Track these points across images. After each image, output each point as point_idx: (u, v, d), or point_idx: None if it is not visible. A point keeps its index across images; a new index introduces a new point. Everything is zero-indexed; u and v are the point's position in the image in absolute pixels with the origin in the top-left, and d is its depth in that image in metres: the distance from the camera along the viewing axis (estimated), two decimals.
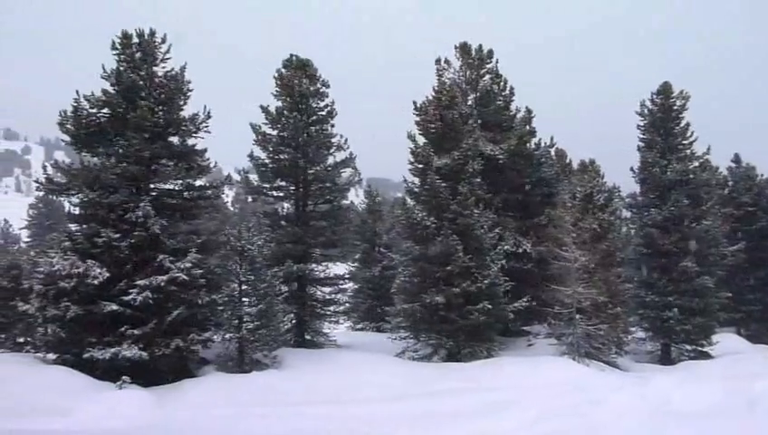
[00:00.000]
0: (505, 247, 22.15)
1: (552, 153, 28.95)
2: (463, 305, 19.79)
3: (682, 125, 26.30)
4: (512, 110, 26.89)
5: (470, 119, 23.01)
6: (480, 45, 26.56)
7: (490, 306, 19.64)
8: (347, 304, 26.19)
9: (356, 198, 33.60)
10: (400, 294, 21.25)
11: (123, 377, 14.97)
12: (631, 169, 27.17)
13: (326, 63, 24.39)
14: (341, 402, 14.43)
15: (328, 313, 23.41)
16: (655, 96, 26.57)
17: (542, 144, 27.41)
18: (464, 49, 26.34)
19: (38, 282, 16.40)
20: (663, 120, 26.32)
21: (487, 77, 26.47)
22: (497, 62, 26.46)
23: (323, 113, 22.51)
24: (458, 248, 19.71)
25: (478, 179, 21.68)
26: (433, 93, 22.26)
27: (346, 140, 22.73)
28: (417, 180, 21.82)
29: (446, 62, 26.08)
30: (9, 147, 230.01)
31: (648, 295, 25.07)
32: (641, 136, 27.01)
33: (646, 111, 26.70)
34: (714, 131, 31.47)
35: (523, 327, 24.80)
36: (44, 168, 18.65)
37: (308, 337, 22.35)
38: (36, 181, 19.18)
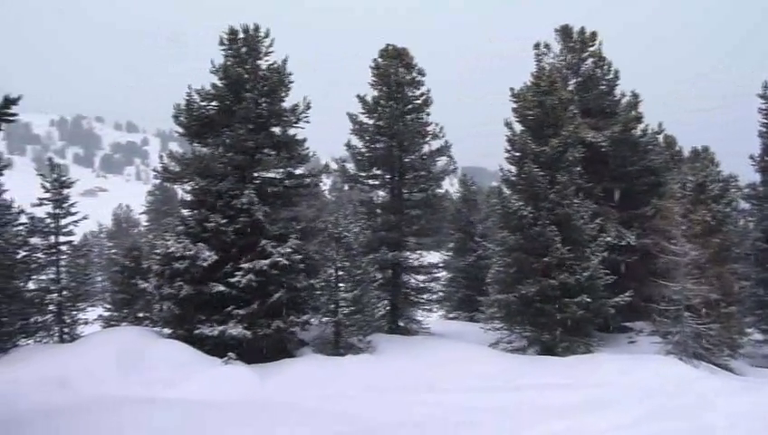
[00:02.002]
0: (607, 239, 21.14)
1: (660, 140, 27.16)
2: (560, 298, 19.17)
3: None
4: (615, 95, 25.49)
5: (570, 105, 22.07)
6: (582, 28, 25.36)
7: (589, 300, 18.88)
8: (440, 293, 26.20)
9: (451, 186, 33.40)
10: (495, 284, 20.93)
11: (229, 353, 15.92)
12: (751, 157, 24.97)
13: (422, 51, 24.30)
14: (434, 390, 14.49)
15: (421, 300, 23.55)
16: None
17: (650, 130, 25.78)
18: (564, 32, 25.28)
19: (155, 262, 17.72)
20: None
21: (590, 61, 25.25)
22: (601, 44, 25.17)
23: (419, 102, 22.53)
24: (556, 239, 19.08)
25: (578, 168, 20.82)
26: (531, 79, 21.59)
27: (441, 128, 22.68)
28: (513, 169, 21.30)
29: (546, 46, 25.16)
30: (130, 139, 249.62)
31: (767, 294, 23.02)
32: (763, 120, 24.70)
33: None
34: None
35: (625, 323, 23.60)
36: (161, 157, 20.00)
37: (401, 324, 22.61)
38: (153, 170, 20.80)
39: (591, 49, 25.21)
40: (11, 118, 7.88)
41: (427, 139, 22.69)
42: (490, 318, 20.96)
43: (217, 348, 16.42)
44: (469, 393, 14.19)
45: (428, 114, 22.69)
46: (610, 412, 12.22)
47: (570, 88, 24.78)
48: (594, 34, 25.25)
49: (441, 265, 25.56)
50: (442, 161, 23.18)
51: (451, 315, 31.34)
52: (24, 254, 18.17)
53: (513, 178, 21.17)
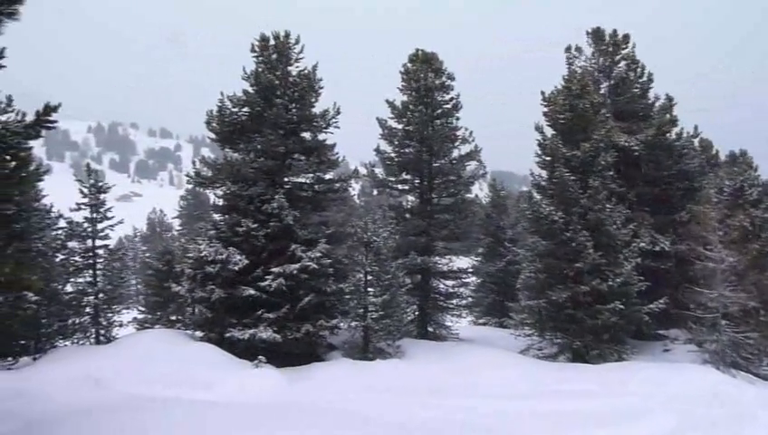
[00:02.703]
0: (641, 245, 20.72)
1: (696, 144, 26.54)
2: (592, 304, 18.83)
3: None
4: (649, 98, 25.02)
5: (603, 108, 21.74)
6: (615, 30, 25.01)
7: (622, 307, 18.51)
8: (470, 298, 26.02)
9: (480, 191, 33.14)
10: (525, 290, 20.69)
11: (259, 357, 16.08)
12: None
13: (451, 56, 24.27)
14: (464, 396, 14.37)
15: (450, 306, 23.43)
16: None
17: (685, 134, 25.19)
18: (596, 35, 24.95)
19: (188, 266, 18.00)
20: None
21: (622, 63, 24.86)
22: (634, 47, 24.75)
23: (448, 106, 22.48)
24: (588, 244, 18.76)
25: (611, 172, 20.48)
26: (562, 82, 21.33)
27: (471, 132, 22.57)
28: (544, 173, 21.06)
29: (578, 49, 24.87)
30: (164, 145, 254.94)
31: None
32: None
33: None
34: None
35: (659, 331, 23.05)
36: (193, 163, 20.36)
37: (430, 329, 22.51)
38: (186, 175, 21.16)
39: (624, 51, 24.82)
40: (51, 125, 8.11)
41: (457, 143, 22.61)
42: (520, 324, 20.70)
43: (248, 351, 16.60)
44: (497, 399, 14.02)
45: (458, 119, 22.64)
46: (645, 423, 11.93)
47: (602, 91, 24.43)
48: (627, 37, 24.86)
49: (470, 270, 25.37)
50: (471, 166, 23.08)
51: (480, 321, 31.09)
52: (63, 257, 18.67)
53: (544, 183, 20.93)
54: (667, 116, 24.58)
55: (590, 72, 24.49)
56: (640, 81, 24.83)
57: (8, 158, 8.18)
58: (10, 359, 16.38)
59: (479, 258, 30.21)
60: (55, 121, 8.09)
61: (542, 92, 21.57)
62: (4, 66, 7.81)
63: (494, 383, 15.54)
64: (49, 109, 8.01)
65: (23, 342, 17.00)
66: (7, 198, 8.56)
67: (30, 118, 8.07)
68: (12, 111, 8.07)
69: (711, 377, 16.18)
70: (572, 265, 19.05)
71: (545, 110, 21.28)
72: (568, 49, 24.74)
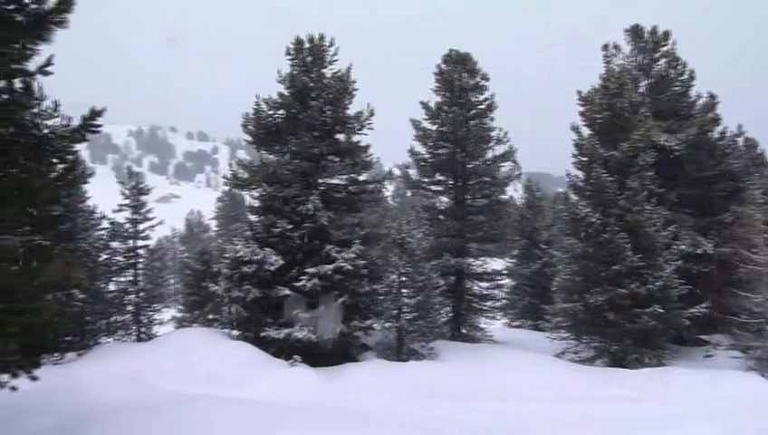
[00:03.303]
0: (681, 247, 20.18)
1: (740, 143, 25.72)
2: (630, 308, 18.43)
3: None
4: (690, 96, 24.37)
5: (642, 107, 21.26)
6: (654, 27, 24.43)
7: (661, 311, 18.06)
8: (504, 301, 25.82)
9: (515, 192, 32.81)
10: (561, 292, 20.39)
11: (294, 356, 16.26)
12: None
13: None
14: (498, 399, 14.24)
15: (485, 308, 23.27)
16: None
17: (728, 133, 24.43)
18: (635, 32, 24.43)
19: (225, 266, 18.34)
20: None
21: (662, 61, 24.28)
22: (674, 44, 24.15)
23: (483, 107, 22.36)
24: (626, 247, 18.38)
25: (650, 173, 20.01)
26: (600, 81, 20.96)
27: (506, 133, 22.36)
28: (581, 174, 20.73)
29: (615, 47, 24.38)
30: (201, 147, 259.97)
31: None
32: None
33: None
34: None
35: (701, 336, 22.39)
36: (230, 165, 20.74)
37: (464, 331, 22.39)
38: (223, 177, 21.60)
39: (664, 49, 24.25)
40: (96, 129, 8.40)
41: (491, 144, 22.43)
42: (556, 327, 20.41)
43: (284, 350, 16.81)
44: (532, 403, 13.85)
45: (492, 119, 22.47)
46: (687, 431, 11.58)
47: (640, 90, 23.90)
48: (667, 34, 24.27)
49: (505, 272, 25.14)
50: (506, 167, 22.87)
51: (515, 323, 30.76)
52: (106, 257, 19.28)
53: (581, 184, 20.59)
54: (710, 115, 23.87)
55: (628, 70, 23.96)
56: (681, 78, 24.20)
57: (56, 161, 8.51)
58: (57, 354, 16.95)
59: (514, 260, 29.84)
60: (100, 126, 8.36)
61: (579, 92, 21.23)
62: (51, 73, 8.09)
63: (527, 386, 15.35)
64: (94, 113, 8.29)
65: (68, 338, 17.59)
66: (55, 200, 8.88)
67: (75, 123, 8.37)
68: (58, 116, 8.36)
69: (756, 385, 15.65)
70: (610, 267, 18.68)
71: (582, 109, 20.94)
72: (605, 47, 24.28)
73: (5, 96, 7.80)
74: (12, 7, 7.60)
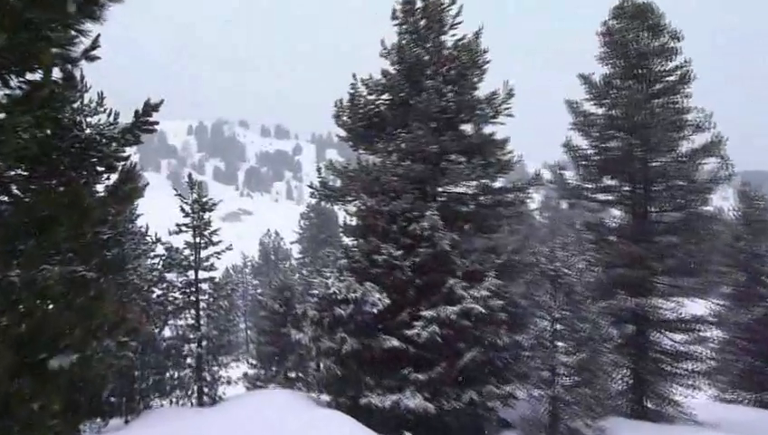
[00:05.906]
0: None
1: None
2: None
3: None
4: None
5: None
6: None
7: None
8: (711, 361, 24.50)
9: (724, 201, 31.19)
10: None
11: (405, 432, 16.37)
12: None
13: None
14: None
15: (680, 371, 22.25)
16: None
17: None
18: None
19: (311, 307, 18.91)
20: None
21: None
22: None
23: (672, 78, 21.60)
24: None
25: None
26: None
27: (709, 116, 21.36)
28: None
29: None
30: (280, 147, 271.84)
31: None
32: None
33: None
34: None
35: None
36: (318, 170, 21.45)
37: (649, 405, 21.58)
38: (309, 186, 22.24)
39: None
40: (151, 127, 8.99)
41: (686, 132, 21.55)
42: None
43: (389, 423, 16.98)
44: None
45: (687, 96, 21.60)
46: None
47: None
48: None
49: (711, 319, 23.92)
50: (709, 165, 21.85)
51: (728, 396, 29.15)
52: (160, 292, 20.37)
53: None
54: None
55: None
56: None
57: (102, 169, 9.08)
58: (99, 420, 18.14)
59: (725, 302, 28.42)
60: (156, 123, 8.95)
61: None
62: (98, 57, 8.71)
63: None
64: (149, 107, 8.86)
65: (113, 399, 18.78)
66: (105, 220, 9.29)
67: (123, 120, 8.85)
68: (103, 111, 8.96)
69: None
70: None
71: None
72: None
73: (46, 90, 8.23)
74: None
